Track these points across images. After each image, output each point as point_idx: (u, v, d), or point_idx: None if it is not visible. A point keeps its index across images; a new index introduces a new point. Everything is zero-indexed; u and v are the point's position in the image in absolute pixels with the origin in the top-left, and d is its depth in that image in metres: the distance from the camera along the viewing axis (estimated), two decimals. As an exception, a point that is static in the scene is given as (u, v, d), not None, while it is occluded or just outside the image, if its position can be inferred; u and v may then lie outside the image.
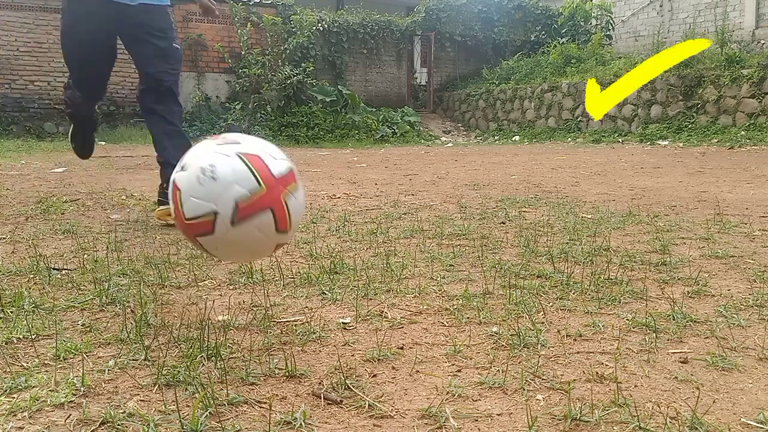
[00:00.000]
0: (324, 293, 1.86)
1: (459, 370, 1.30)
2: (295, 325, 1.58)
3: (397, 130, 14.03)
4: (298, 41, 13.84)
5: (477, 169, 6.64)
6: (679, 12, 14.20)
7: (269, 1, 14.08)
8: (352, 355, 1.38)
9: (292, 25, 13.97)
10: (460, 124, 15.90)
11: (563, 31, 16.34)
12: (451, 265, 2.23)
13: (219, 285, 1.98)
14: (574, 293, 1.86)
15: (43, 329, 1.51)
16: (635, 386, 1.22)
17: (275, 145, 1.51)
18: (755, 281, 1.99)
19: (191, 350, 1.37)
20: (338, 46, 14.79)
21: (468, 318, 1.63)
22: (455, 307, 1.72)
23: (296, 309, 1.72)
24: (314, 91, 13.84)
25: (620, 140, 11.10)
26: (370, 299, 1.81)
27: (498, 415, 1.10)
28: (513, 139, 13.29)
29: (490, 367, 1.31)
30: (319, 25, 14.30)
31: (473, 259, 2.33)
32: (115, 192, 4.46)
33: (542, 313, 1.67)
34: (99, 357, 1.36)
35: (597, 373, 1.27)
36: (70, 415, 1.09)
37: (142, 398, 1.16)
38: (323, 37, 14.50)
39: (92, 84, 3.30)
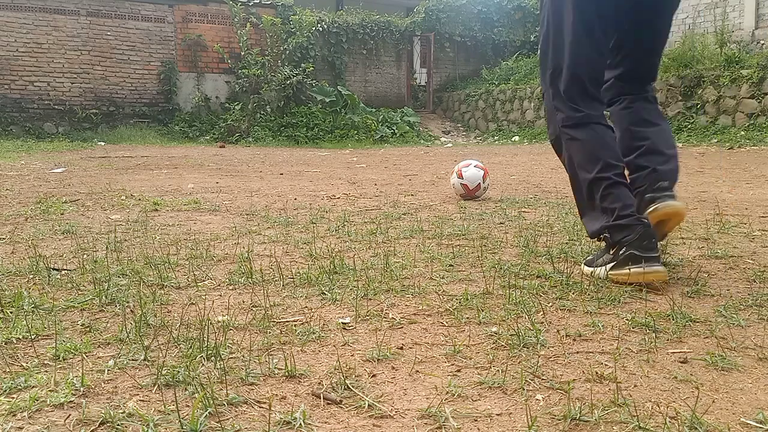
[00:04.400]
0: (324, 293, 1.86)
1: (459, 370, 1.30)
2: (295, 325, 1.58)
3: (396, 131, 14.04)
4: (298, 42, 13.85)
5: (476, 170, 6.63)
6: (678, 12, 14.13)
7: (268, 2, 14.09)
8: (352, 355, 1.38)
9: (292, 26, 13.98)
10: (459, 125, 15.90)
11: (563, 31, 16.34)
12: (450, 265, 2.23)
13: (219, 285, 1.98)
14: (573, 293, 1.86)
15: (42, 329, 1.51)
16: (635, 386, 1.22)
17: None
18: (754, 281, 1.99)
19: (191, 350, 1.37)
20: (338, 46, 14.80)
21: (468, 318, 1.63)
22: (455, 307, 1.72)
23: (296, 309, 1.72)
24: (314, 92, 13.85)
25: (620, 140, 11.09)
26: (370, 299, 1.81)
27: (498, 415, 1.10)
28: (512, 139, 13.29)
29: (490, 367, 1.31)
30: (319, 25, 14.32)
31: (473, 259, 2.33)
32: (114, 192, 4.46)
33: (542, 313, 1.67)
34: (98, 357, 1.36)
35: (597, 373, 1.27)
36: (70, 415, 1.09)
37: (141, 398, 1.16)
38: (323, 37, 14.51)
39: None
